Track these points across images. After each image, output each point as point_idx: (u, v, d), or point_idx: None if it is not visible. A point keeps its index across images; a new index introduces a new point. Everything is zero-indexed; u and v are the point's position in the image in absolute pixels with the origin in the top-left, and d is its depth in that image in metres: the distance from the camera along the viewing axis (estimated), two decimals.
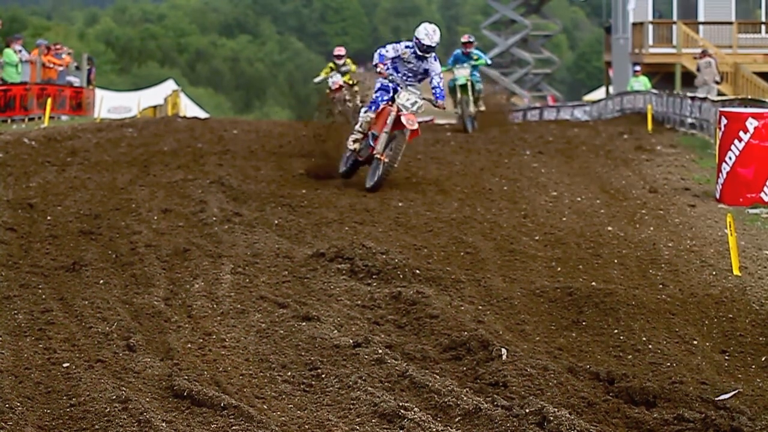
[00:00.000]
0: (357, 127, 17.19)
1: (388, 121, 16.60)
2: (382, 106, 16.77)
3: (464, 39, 27.42)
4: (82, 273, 11.48)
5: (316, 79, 27.21)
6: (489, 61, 28.05)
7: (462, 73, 26.83)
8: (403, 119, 16.44)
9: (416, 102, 16.58)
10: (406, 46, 16.76)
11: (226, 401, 7.88)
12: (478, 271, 12.41)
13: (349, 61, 27.63)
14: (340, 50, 27.78)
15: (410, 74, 16.87)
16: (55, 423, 7.60)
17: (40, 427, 7.52)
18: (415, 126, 16.51)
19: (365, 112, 17.30)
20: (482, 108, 27.79)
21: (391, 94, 16.94)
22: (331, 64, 27.35)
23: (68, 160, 18.65)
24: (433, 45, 16.70)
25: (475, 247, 13.51)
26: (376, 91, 17.18)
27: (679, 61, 37.16)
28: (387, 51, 16.76)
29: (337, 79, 26.95)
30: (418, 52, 16.70)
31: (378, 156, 16.70)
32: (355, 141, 17.08)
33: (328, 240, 13.40)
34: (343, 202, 16.03)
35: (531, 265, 12.91)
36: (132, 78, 75.86)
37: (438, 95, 16.66)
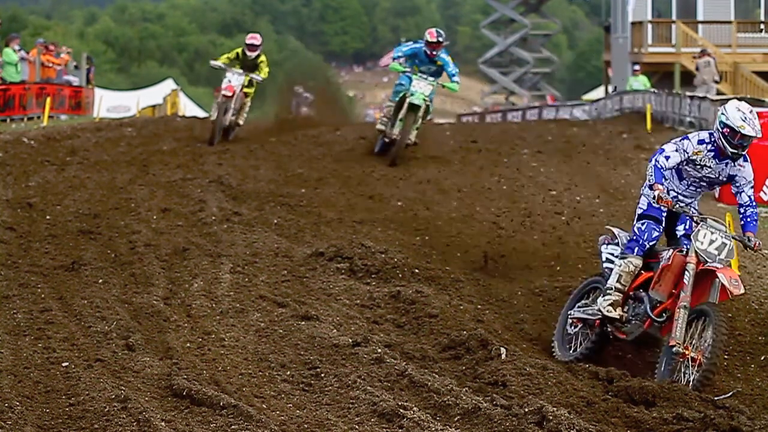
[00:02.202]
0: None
1: (686, 282, 9.48)
2: (671, 256, 9.71)
3: (431, 37, 18.54)
4: (82, 272, 11.48)
5: (214, 63, 21.53)
6: (457, 83, 19.11)
7: (421, 89, 18.63)
8: (724, 280, 9.31)
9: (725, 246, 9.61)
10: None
11: (226, 400, 7.88)
12: (478, 271, 12.41)
13: (263, 59, 21.58)
14: (254, 38, 21.65)
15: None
16: (55, 422, 7.60)
17: (39, 427, 7.52)
18: (741, 289, 9.38)
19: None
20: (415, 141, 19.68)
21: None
22: (238, 51, 21.55)
23: (67, 160, 18.64)
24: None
25: (474, 247, 13.51)
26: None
27: (679, 60, 37.14)
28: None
29: (234, 81, 21.20)
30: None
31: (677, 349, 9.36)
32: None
33: (327, 239, 13.40)
34: (342, 202, 16.02)
35: (530, 265, 12.92)
36: (131, 77, 75.85)
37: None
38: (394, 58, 18.67)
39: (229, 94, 20.94)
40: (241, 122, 21.55)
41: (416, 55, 18.72)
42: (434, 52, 18.62)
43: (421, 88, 18.55)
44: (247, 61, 21.40)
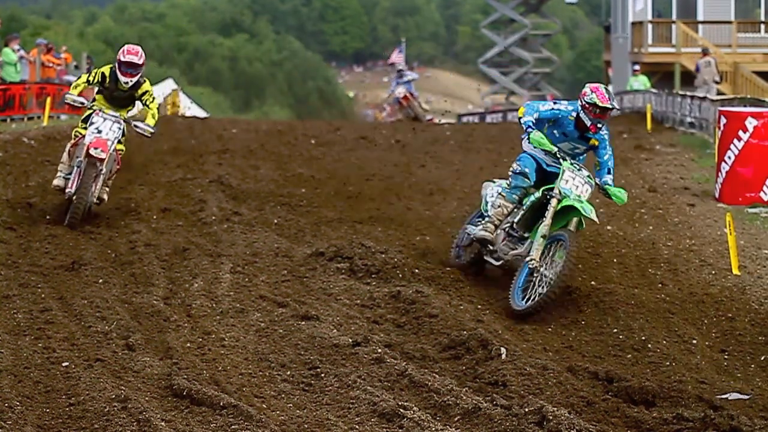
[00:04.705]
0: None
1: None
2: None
3: (600, 99, 11.32)
4: (82, 272, 11.48)
5: (71, 96, 13.52)
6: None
7: (577, 190, 11.63)
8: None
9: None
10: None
11: (226, 400, 7.88)
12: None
13: (148, 88, 13.74)
14: (133, 53, 13.51)
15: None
16: (55, 422, 7.60)
17: (39, 426, 7.52)
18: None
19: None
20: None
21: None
22: (104, 71, 13.67)
23: None
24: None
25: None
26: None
27: (679, 60, 37.17)
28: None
29: (107, 132, 13.49)
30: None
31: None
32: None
33: (327, 239, 13.40)
34: (342, 202, 16.02)
35: None
36: None
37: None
38: (527, 126, 11.73)
39: (102, 155, 13.27)
40: (105, 197, 13.84)
41: (560, 122, 11.58)
42: (599, 124, 11.34)
43: (576, 187, 11.35)
44: (120, 91, 13.57)
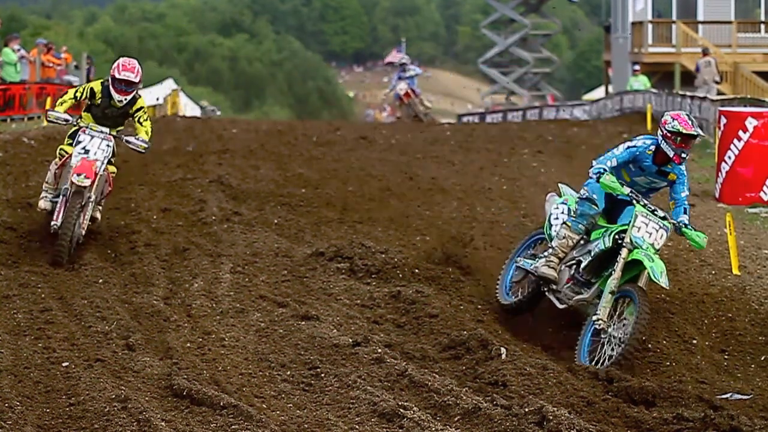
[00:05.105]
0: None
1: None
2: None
3: (684, 126, 10.23)
4: (82, 272, 11.48)
5: (53, 113, 12.20)
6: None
7: (650, 237, 10.67)
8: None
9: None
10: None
11: (226, 400, 7.88)
12: (478, 271, 12.41)
13: (142, 104, 12.51)
14: (129, 69, 12.21)
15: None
16: (55, 422, 7.60)
17: (39, 426, 7.52)
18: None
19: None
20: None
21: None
22: (93, 87, 12.38)
23: None
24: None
25: (474, 247, 13.51)
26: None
27: (679, 60, 37.15)
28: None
29: (94, 152, 12.12)
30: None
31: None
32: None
33: (327, 239, 13.40)
34: (342, 202, 16.02)
35: None
36: None
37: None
38: (597, 172, 10.35)
39: (86, 182, 11.83)
40: (98, 215, 12.63)
41: (638, 158, 10.48)
42: (683, 154, 10.23)
43: (649, 234, 10.20)
44: (112, 109, 12.31)
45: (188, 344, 9.39)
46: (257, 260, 12.32)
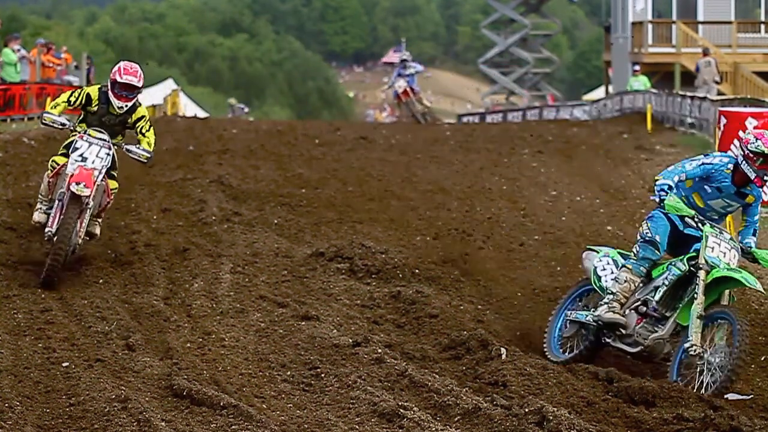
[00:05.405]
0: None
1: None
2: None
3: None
4: (82, 272, 11.47)
5: (49, 115, 11.30)
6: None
7: (725, 257, 9.81)
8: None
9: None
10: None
11: (226, 400, 7.88)
12: (478, 271, 12.41)
13: (143, 112, 11.59)
14: (131, 72, 11.31)
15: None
16: (55, 422, 7.60)
17: (39, 427, 7.52)
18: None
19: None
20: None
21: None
22: (90, 92, 11.45)
23: None
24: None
25: (474, 247, 13.51)
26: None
27: (679, 60, 37.14)
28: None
29: (92, 161, 11.20)
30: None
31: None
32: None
33: (327, 239, 13.40)
34: (342, 202, 16.02)
35: (531, 265, 12.92)
36: None
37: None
38: (660, 190, 9.66)
39: (85, 191, 10.90)
40: (97, 231, 11.68)
41: (714, 177, 9.76)
42: (765, 177, 9.62)
43: (723, 254, 9.67)
44: (111, 116, 11.41)
45: (188, 344, 9.39)
46: (257, 260, 12.32)
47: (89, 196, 10.95)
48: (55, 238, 10.88)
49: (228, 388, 8.33)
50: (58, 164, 11.28)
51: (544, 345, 10.09)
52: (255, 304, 10.59)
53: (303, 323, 9.96)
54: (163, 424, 7.47)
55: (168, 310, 10.27)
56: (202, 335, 9.66)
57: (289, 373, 8.85)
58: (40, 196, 11.58)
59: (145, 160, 11.57)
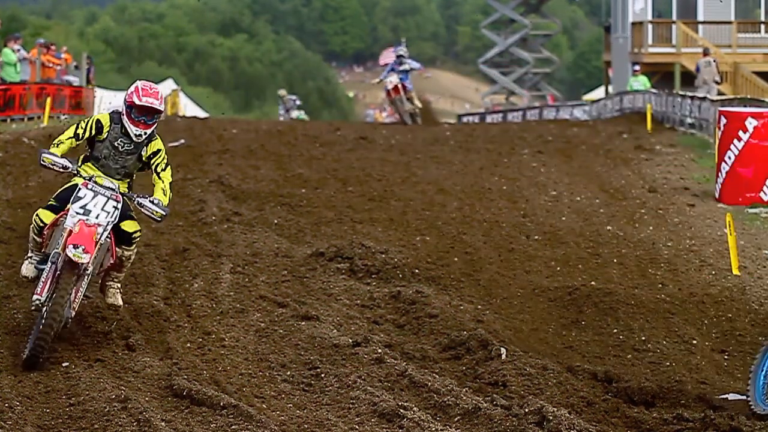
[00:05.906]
0: None
1: None
2: None
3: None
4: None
5: (48, 156, 9.20)
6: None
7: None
8: None
9: None
10: None
11: (226, 400, 7.88)
12: (478, 271, 12.41)
13: (159, 145, 9.93)
14: (151, 94, 9.32)
15: None
16: (55, 422, 7.60)
17: (39, 427, 7.52)
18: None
19: None
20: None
21: None
22: (101, 119, 9.46)
23: None
24: None
25: (474, 247, 13.50)
26: None
27: (679, 60, 37.15)
28: None
29: (97, 214, 9.13)
30: None
31: None
32: None
33: (327, 239, 13.39)
34: (342, 202, 16.02)
35: (530, 265, 12.92)
36: (131, 77, 75.89)
37: None
38: None
39: (84, 258, 8.84)
40: (119, 301, 9.63)
41: None
42: None
43: None
44: (127, 147, 9.52)
45: (188, 344, 9.39)
46: (257, 260, 12.32)
47: (88, 262, 8.91)
48: (44, 311, 8.78)
49: (228, 388, 8.33)
50: (43, 222, 9.17)
51: (748, 398, 8.66)
52: (255, 304, 10.59)
53: (303, 323, 9.96)
54: (163, 424, 7.47)
55: (168, 310, 10.27)
56: (202, 335, 9.66)
57: (289, 373, 8.85)
58: (29, 245, 9.46)
59: (159, 219, 9.58)
